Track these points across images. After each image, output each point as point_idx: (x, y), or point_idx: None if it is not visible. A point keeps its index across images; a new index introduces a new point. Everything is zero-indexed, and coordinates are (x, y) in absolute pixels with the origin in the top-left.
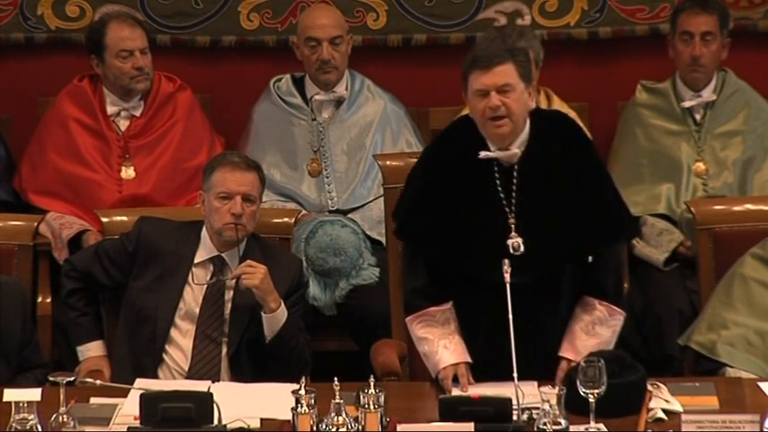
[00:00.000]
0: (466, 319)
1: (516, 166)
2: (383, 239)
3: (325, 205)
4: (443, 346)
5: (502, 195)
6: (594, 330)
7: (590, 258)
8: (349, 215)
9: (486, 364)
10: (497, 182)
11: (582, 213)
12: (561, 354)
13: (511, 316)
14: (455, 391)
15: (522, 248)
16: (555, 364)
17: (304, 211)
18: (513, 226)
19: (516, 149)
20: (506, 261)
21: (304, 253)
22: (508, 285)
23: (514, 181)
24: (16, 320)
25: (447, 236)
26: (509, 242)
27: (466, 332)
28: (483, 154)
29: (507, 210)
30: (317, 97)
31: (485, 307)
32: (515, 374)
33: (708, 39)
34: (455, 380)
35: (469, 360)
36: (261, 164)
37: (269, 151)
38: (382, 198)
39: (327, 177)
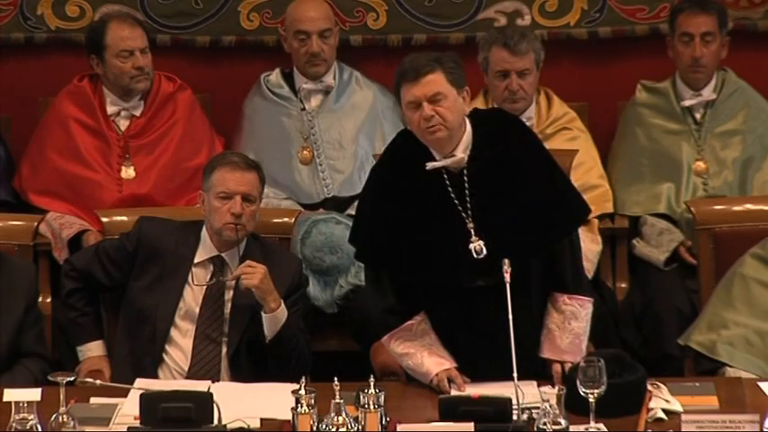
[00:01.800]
0: (440, 329)
1: (465, 171)
2: None
3: (321, 193)
4: (427, 356)
5: (456, 202)
6: (570, 326)
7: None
8: (348, 211)
9: (465, 371)
10: (449, 189)
11: (537, 207)
12: (544, 355)
13: (511, 316)
14: (453, 392)
15: (484, 251)
16: (535, 364)
17: (302, 211)
18: (472, 230)
19: (462, 154)
20: (506, 261)
21: (301, 254)
22: (508, 285)
23: (466, 185)
24: (20, 302)
25: (408, 252)
26: (471, 246)
27: (442, 341)
28: (430, 165)
29: (464, 215)
30: (304, 86)
31: (457, 315)
32: (515, 374)
33: (707, 39)
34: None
35: (455, 364)
36: (254, 155)
37: (262, 143)
38: None
39: (320, 165)
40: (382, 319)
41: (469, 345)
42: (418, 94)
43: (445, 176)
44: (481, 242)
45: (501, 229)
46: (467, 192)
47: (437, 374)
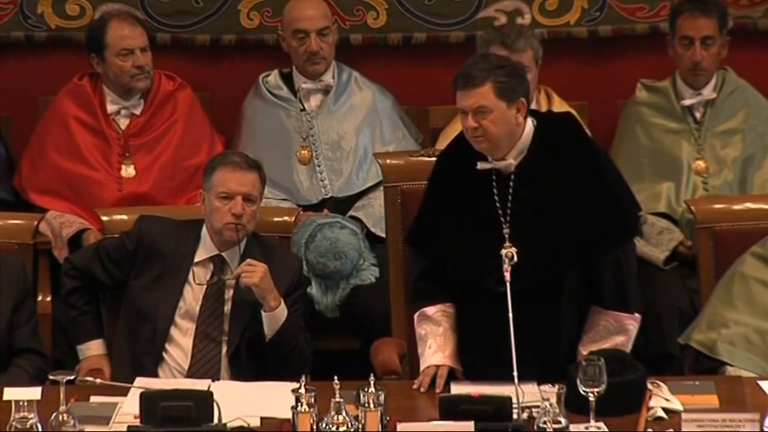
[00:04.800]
0: (466, 325)
1: (513, 176)
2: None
3: (319, 194)
4: (428, 346)
5: (498, 205)
6: (603, 340)
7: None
8: (351, 212)
9: (486, 369)
10: (495, 191)
11: (577, 222)
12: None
13: (511, 314)
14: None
15: (515, 259)
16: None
17: (301, 213)
18: (507, 236)
19: (512, 160)
20: (506, 260)
21: (304, 257)
22: (508, 284)
23: (510, 191)
24: (8, 299)
25: (444, 244)
26: (502, 252)
27: (466, 338)
28: (480, 165)
29: (502, 219)
30: (303, 86)
31: (481, 314)
32: (515, 373)
33: (708, 43)
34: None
35: (450, 365)
36: (253, 156)
37: (261, 144)
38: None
39: (319, 166)
40: (411, 295)
41: (489, 346)
42: (464, 104)
43: (494, 178)
44: (513, 249)
45: (535, 240)
46: (510, 197)
47: (428, 368)
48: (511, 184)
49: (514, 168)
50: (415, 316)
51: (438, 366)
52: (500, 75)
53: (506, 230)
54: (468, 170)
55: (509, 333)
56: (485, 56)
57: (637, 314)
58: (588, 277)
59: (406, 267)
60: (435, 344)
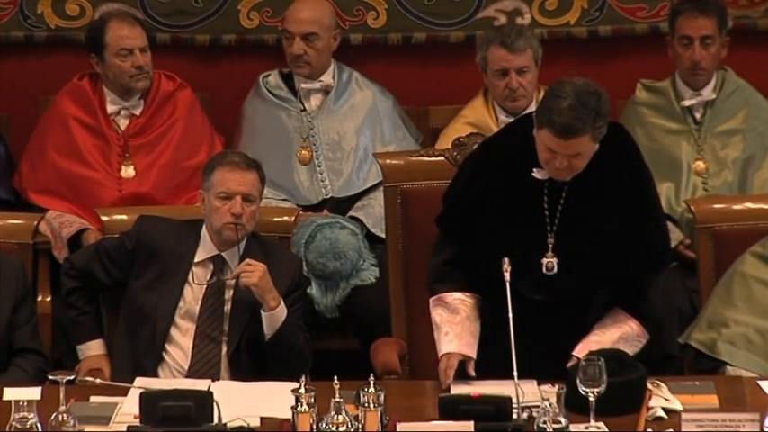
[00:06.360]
0: (488, 326)
1: (566, 187)
2: None
3: (320, 194)
4: (444, 333)
5: (546, 213)
6: (617, 346)
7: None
8: (352, 212)
9: (504, 370)
10: (545, 198)
11: (620, 242)
12: (574, 353)
13: (511, 314)
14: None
15: (555, 269)
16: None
17: (301, 213)
18: (550, 245)
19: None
20: (506, 260)
21: (304, 258)
22: (508, 284)
23: (561, 201)
24: (8, 298)
25: (483, 243)
26: (543, 261)
27: (488, 337)
28: (537, 173)
29: (548, 228)
30: (303, 86)
31: (504, 317)
32: (515, 373)
33: (707, 42)
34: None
35: (466, 353)
36: (253, 157)
37: (261, 144)
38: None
39: (319, 166)
40: (429, 279)
41: (505, 347)
42: (558, 149)
43: (546, 185)
44: (555, 260)
45: (577, 255)
46: (560, 207)
47: (441, 357)
48: (563, 194)
49: (569, 179)
50: (432, 300)
51: (449, 354)
52: (598, 121)
53: (551, 240)
54: (519, 171)
55: (533, 338)
56: (578, 98)
57: (648, 336)
58: (628, 287)
59: (406, 267)
60: (452, 332)
